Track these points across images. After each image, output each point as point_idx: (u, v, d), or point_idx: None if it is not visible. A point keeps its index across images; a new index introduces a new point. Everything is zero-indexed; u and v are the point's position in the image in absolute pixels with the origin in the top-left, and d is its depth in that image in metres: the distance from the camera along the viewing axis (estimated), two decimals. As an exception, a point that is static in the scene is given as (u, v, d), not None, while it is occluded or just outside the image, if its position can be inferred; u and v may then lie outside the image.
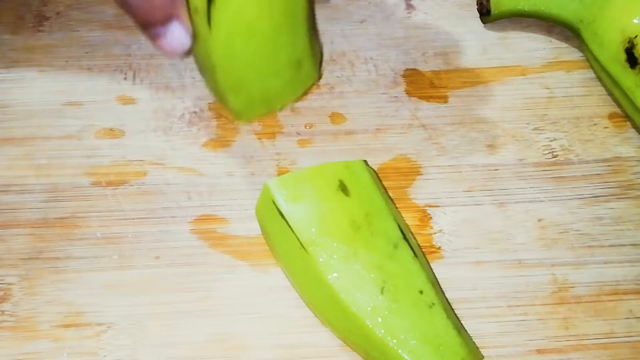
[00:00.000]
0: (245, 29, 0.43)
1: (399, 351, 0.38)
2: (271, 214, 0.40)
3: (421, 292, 0.39)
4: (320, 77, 0.50)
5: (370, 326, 0.38)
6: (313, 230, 0.39)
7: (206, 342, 0.41)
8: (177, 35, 0.41)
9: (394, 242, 0.40)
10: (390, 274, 0.39)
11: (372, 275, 0.38)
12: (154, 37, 0.41)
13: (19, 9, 0.54)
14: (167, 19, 0.40)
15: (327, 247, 0.39)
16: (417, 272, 0.40)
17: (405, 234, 0.41)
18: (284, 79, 0.47)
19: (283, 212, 0.39)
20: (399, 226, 0.41)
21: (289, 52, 0.46)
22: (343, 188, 0.40)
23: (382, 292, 0.38)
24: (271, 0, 0.42)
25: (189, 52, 0.42)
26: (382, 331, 0.38)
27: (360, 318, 0.38)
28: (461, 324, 0.41)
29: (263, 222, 0.42)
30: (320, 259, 0.38)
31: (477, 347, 0.40)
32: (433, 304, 0.39)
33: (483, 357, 0.40)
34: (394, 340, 0.38)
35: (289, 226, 0.39)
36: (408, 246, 0.40)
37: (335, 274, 0.38)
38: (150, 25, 0.40)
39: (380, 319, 0.38)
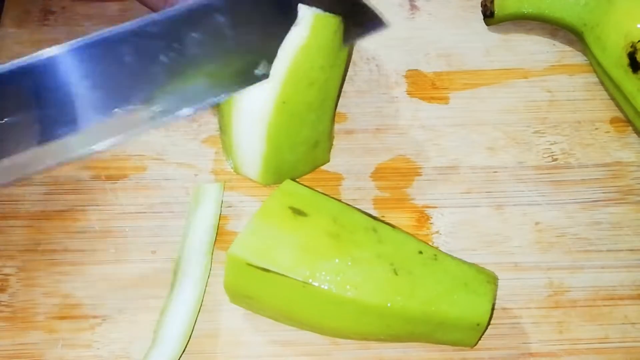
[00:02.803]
0: (280, 101, 0.42)
1: (440, 309, 0.38)
2: (251, 278, 0.39)
3: (420, 252, 0.40)
4: (329, 160, 0.48)
5: (410, 307, 0.38)
6: (304, 266, 0.38)
7: (200, 336, 0.41)
8: None
9: (372, 227, 0.40)
10: (388, 255, 0.39)
11: (378, 265, 0.38)
12: None
13: (25, 3, 0.54)
14: None
15: (327, 269, 0.38)
16: (405, 239, 0.41)
17: (371, 215, 0.41)
18: (297, 156, 0.45)
19: (266, 267, 0.38)
20: (363, 212, 0.41)
21: (311, 131, 0.44)
22: (297, 212, 0.39)
23: (396, 273, 0.38)
24: (310, 78, 0.42)
25: None
26: (419, 304, 0.38)
27: (399, 308, 0.38)
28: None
29: (241, 290, 0.40)
30: (329, 285, 0.38)
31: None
32: (435, 255, 0.40)
33: (496, 276, 0.41)
34: (431, 306, 0.38)
35: (281, 274, 0.38)
36: (383, 223, 0.41)
37: (349, 287, 0.38)
38: None
39: (410, 296, 0.38)
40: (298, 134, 0.44)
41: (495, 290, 0.40)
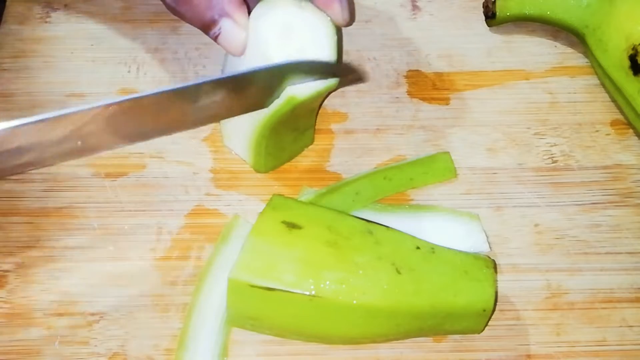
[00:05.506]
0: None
1: (446, 300, 0.39)
2: (255, 299, 0.38)
3: (418, 247, 0.40)
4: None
5: (417, 304, 0.38)
6: (308, 279, 0.38)
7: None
8: (229, 30, 0.42)
9: (367, 230, 0.40)
10: (388, 255, 0.39)
11: (380, 267, 0.38)
12: (213, 37, 0.43)
13: (27, 0, 0.54)
14: (217, 19, 0.42)
15: (331, 279, 0.38)
16: (401, 237, 0.41)
17: (363, 218, 0.41)
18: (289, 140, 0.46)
19: (270, 286, 0.37)
20: (356, 216, 0.41)
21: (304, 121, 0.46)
22: (291, 225, 0.39)
23: (399, 272, 0.38)
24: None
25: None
26: (425, 299, 0.38)
27: (407, 306, 0.38)
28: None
29: (244, 313, 0.40)
30: (335, 295, 0.38)
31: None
32: (432, 248, 0.40)
33: (493, 260, 0.41)
34: (437, 299, 0.39)
35: (285, 291, 0.37)
36: (377, 224, 0.41)
37: (356, 294, 0.38)
38: (206, 27, 0.42)
39: (415, 293, 0.38)
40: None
41: (495, 275, 0.40)
